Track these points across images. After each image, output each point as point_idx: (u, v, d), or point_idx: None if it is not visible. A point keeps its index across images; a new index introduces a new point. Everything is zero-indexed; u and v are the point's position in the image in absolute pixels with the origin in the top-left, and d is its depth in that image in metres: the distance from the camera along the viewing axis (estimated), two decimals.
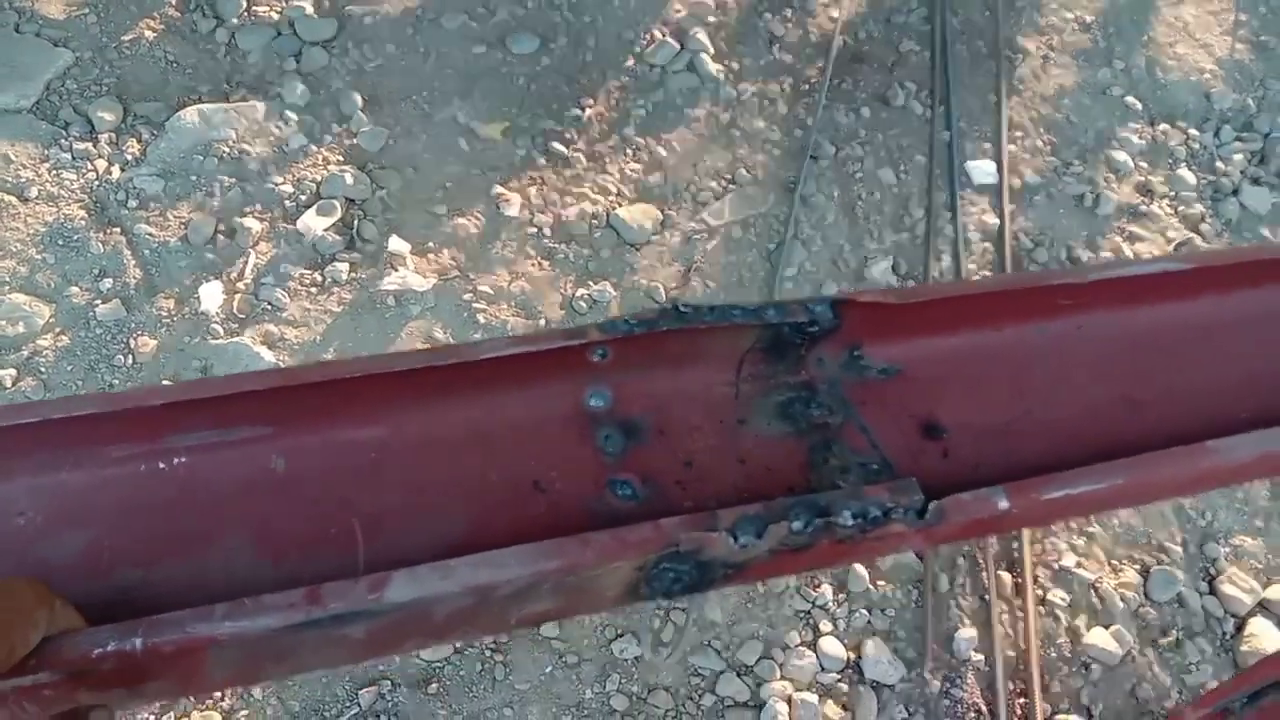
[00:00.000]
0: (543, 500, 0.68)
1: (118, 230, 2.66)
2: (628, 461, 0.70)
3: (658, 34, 3.19)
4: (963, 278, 2.75)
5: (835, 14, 3.31)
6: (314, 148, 2.84)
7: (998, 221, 2.89)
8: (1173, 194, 3.04)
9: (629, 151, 2.94)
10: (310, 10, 3.13)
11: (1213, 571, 2.40)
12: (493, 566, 0.57)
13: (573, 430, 0.71)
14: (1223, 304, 0.83)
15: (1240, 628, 2.33)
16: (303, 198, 2.73)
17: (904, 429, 0.74)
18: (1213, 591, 2.38)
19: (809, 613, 2.26)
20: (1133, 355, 0.80)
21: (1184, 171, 3.08)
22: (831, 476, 0.71)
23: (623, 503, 0.68)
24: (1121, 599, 2.33)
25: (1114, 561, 2.39)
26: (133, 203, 2.70)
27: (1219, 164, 3.11)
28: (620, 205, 2.82)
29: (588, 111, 3.00)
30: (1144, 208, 2.99)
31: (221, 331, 2.51)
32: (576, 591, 0.61)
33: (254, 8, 3.14)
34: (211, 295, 2.55)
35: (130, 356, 2.48)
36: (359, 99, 2.93)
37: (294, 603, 0.56)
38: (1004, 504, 0.64)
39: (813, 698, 2.15)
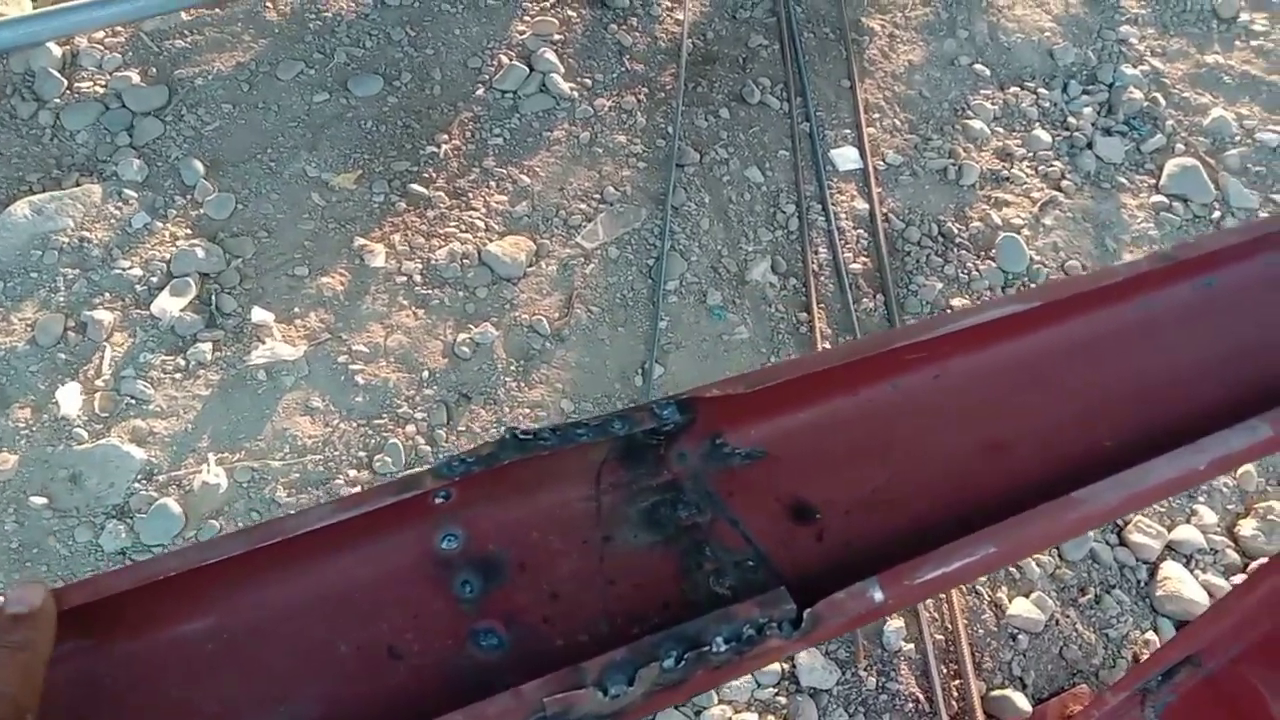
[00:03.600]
0: (401, 666, 0.62)
1: None
2: (488, 606, 0.65)
3: (504, 59, 3.12)
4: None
5: (680, 16, 3.29)
6: (159, 224, 2.70)
7: (867, 206, 2.90)
8: (1031, 155, 3.10)
9: (492, 183, 2.87)
10: (137, 79, 2.97)
11: (1119, 523, 2.45)
12: None
13: (425, 581, 0.65)
14: (1070, 333, 0.81)
15: (1153, 573, 2.38)
16: (154, 279, 2.59)
17: (774, 516, 0.70)
18: (1123, 542, 2.42)
19: None
20: (990, 397, 0.78)
21: (1039, 131, 3.14)
22: (706, 582, 0.67)
23: (487, 654, 0.63)
24: (1037, 564, 2.36)
25: None
26: None
27: (1070, 119, 3.18)
28: (490, 240, 2.74)
29: (443, 147, 2.92)
30: (1005, 172, 3.04)
31: (86, 435, 2.36)
32: None
33: (76, 84, 2.97)
34: (70, 397, 2.40)
35: None
36: (200, 166, 2.79)
37: None
38: (878, 596, 0.61)
39: (753, 716, 2.12)
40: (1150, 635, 2.29)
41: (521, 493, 0.68)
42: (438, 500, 0.65)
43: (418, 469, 0.66)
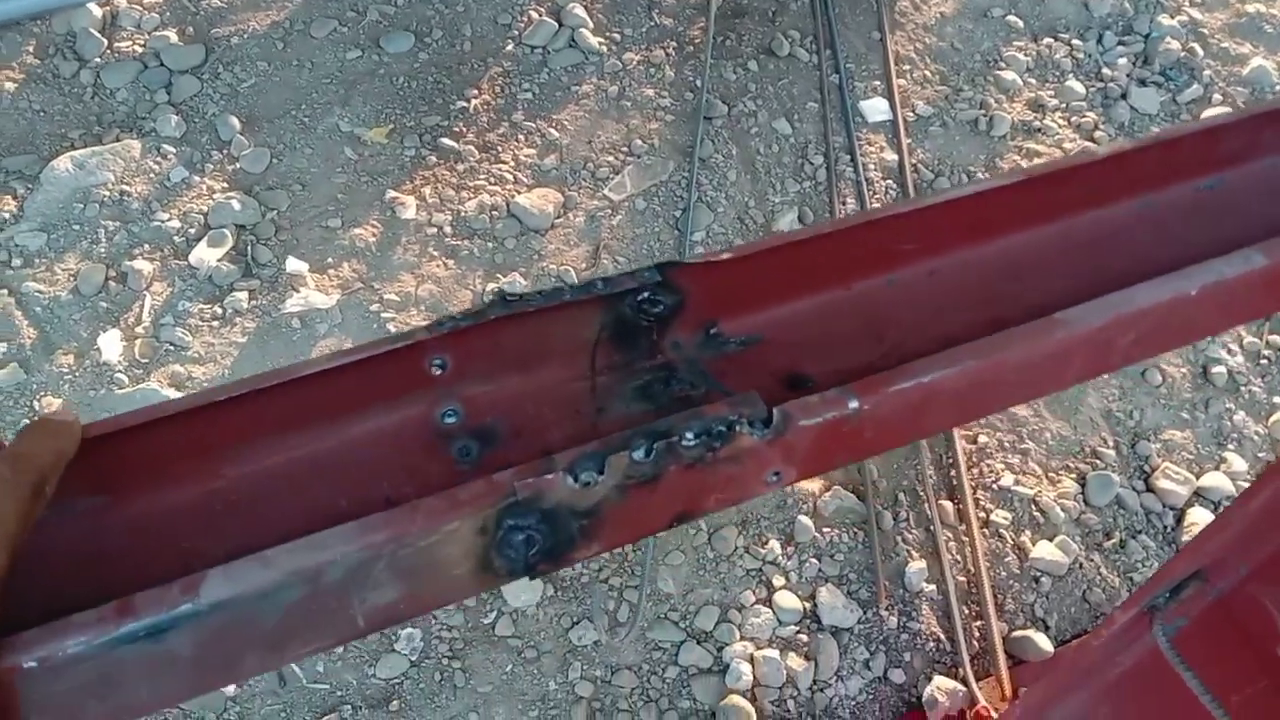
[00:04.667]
0: None
1: (5, 291, 2.56)
2: (484, 466, 0.68)
3: (534, 14, 3.14)
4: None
5: None
6: (196, 178, 2.76)
7: (896, 157, 2.89)
8: (1064, 106, 3.07)
9: (521, 137, 2.90)
10: (175, 39, 3.03)
11: (1147, 469, 2.44)
12: (314, 548, 0.53)
13: (426, 449, 0.69)
14: (1071, 228, 0.82)
15: (1180, 519, 2.38)
16: (191, 231, 2.66)
17: (768, 386, 0.72)
18: (1149, 489, 2.42)
19: (760, 570, 2.26)
20: (988, 290, 0.79)
21: (1072, 82, 3.11)
22: None
23: None
24: (1062, 509, 2.36)
25: (1050, 474, 2.42)
26: (16, 261, 2.60)
27: (1105, 70, 3.15)
28: (519, 193, 2.78)
29: (473, 102, 2.95)
30: (1037, 123, 3.02)
31: (126, 380, 2.44)
32: (419, 571, 0.55)
33: (116, 44, 3.04)
34: (111, 344, 2.47)
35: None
36: (236, 122, 2.85)
37: (105, 616, 0.51)
38: (853, 403, 0.61)
39: (774, 653, 2.15)
40: None
41: (517, 371, 0.71)
42: (435, 370, 0.68)
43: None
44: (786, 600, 2.20)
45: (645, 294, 0.72)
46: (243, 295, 2.54)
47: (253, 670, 0.55)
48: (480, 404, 0.71)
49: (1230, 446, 2.49)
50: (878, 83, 3.07)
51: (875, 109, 3.00)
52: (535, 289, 0.68)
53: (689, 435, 0.58)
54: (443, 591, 0.57)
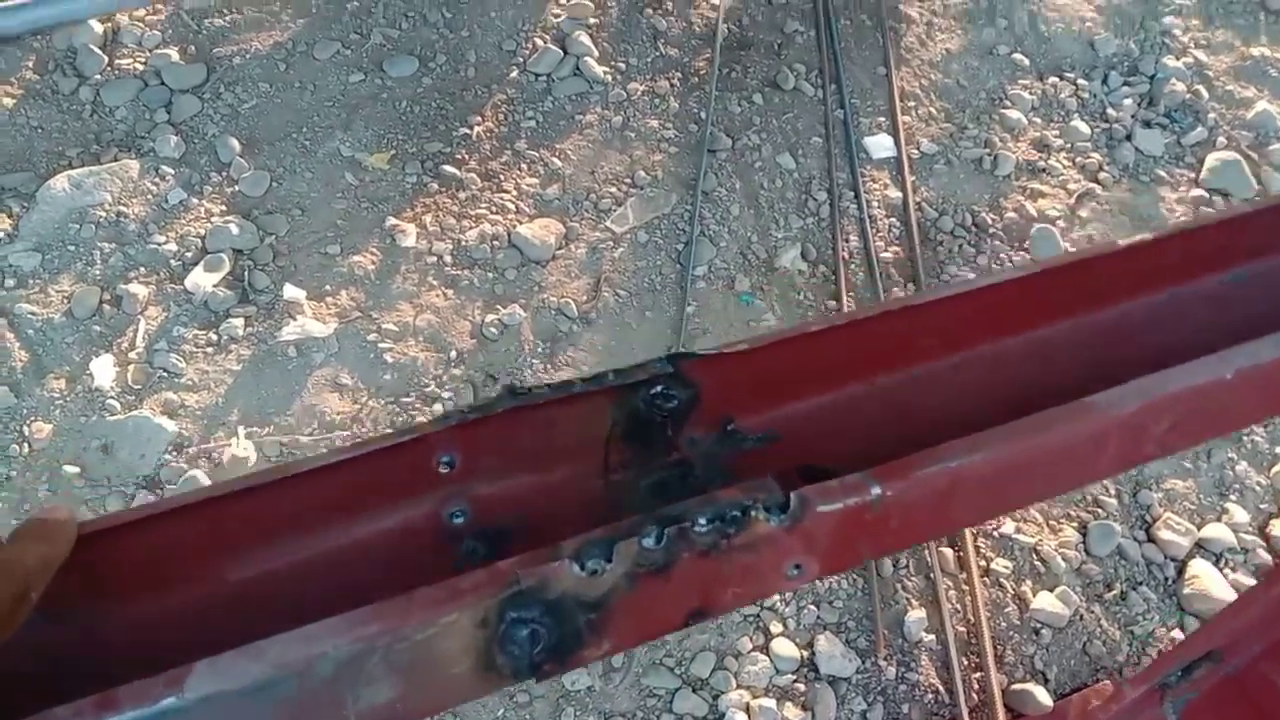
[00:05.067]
0: None
1: None
2: None
3: (539, 41, 3.12)
4: (873, 255, 2.74)
5: (716, 1, 3.27)
6: (194, 200, 2.73)
7: (901, 194, 2.88)
8: (1069, 146, 3.06)
9: (523, 166, 2.88)
10: (176, 57, 3.00)
11: (1148, 519, 2.42)
12: (305, 640, 0.50)
13: (433, 549, 0.66)
14: (1096, 321, 0.80)
15: (1181, 571, 2.35)
16: (188, 255, 2.62)
17: (790, 484, 0.70)
18: (1151, 539, 2.39)
19: (758, 616, 2.23)
20: (1015, 380, 0.76)
21: (1077, 122, 3.10)
22: None
23: None
24: (1063, 559, 2.34)
25: (1052, 522, 2.40)
26: (10, 281, 2.57)
27: (1110, 110, 3.14)
28: (521, 223, 2.75)
29: (476, 129, 2.93)
30: (1042, 163, 3.01)
31: (119, 406, 2.40)
32: (417, 668, 0.52)
33: (117, 61, 3.01)
34: (104, 369, 2.44)
35: (26, 444, 2.36)
36: (236, 144, 2.82)
37: (82, 711, 0.48)
38: (875, 489, 0.57)
39: (771, 702, 2.12)
40: (1176, 633, 2.26)
41: (528, 468, 0.69)
42: (443, 468, 0.65)
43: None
44: (784, 648, 2.17)
45: (659, 388, 0.70)
46: (239, 322, 2.51)
47: None
48: (489, 503, 0.69)
49: (1232, 497, 2.47)
50: (882, 119, 3.06)
51: (880, 145, 2.99)
52: (544, 383, 0.66)
53: (702, 521, 0.55)
54: (443, 692, 0.54)
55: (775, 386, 0.73)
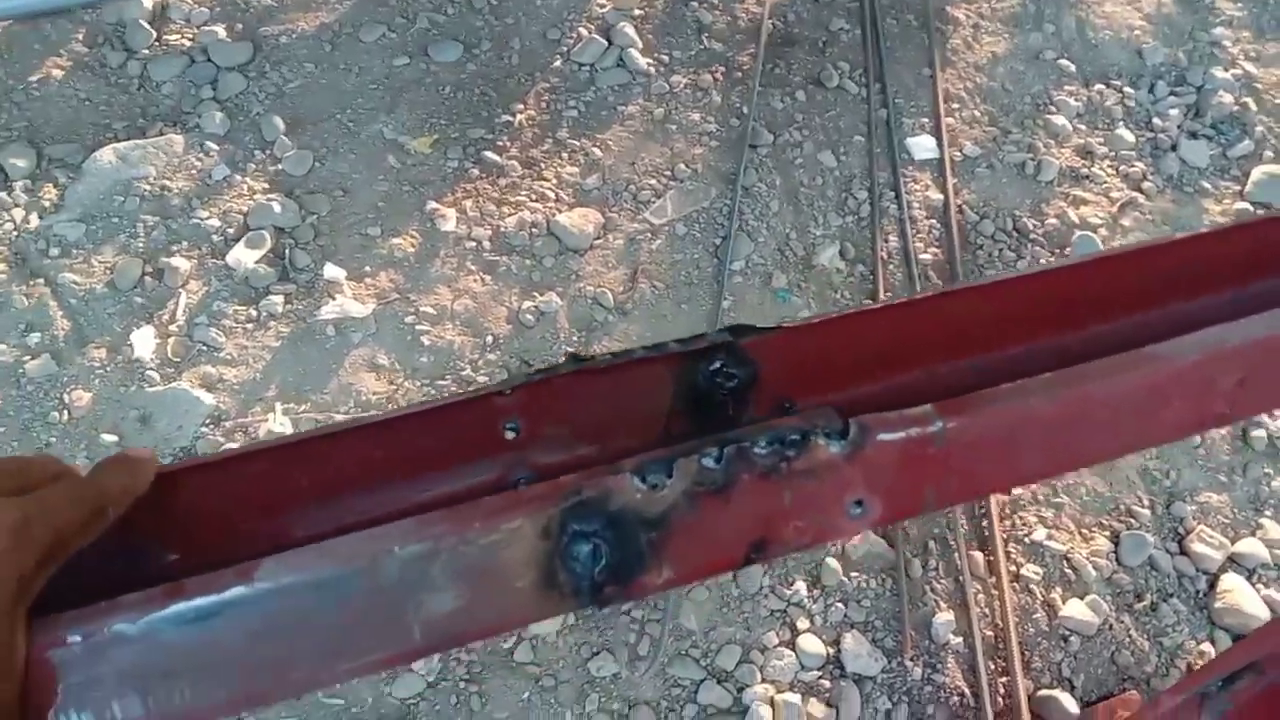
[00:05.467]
0: None
1: (41, 281, 2.56)
2: None
3: (584, 31, 3.12)
4: (912, 257, 2.73)
5: None
6: (238, 177, 2.75)
7: (942, 196, 2.86)
8: (1113, 154, 3.03)
9: (564, 155, 2.88)
10: (223, 34, 3.03)
11: (1181, 531, 2.40)
12: (373, 539, 0.51)
13: None
14: (1175, 309, 0.79)
15: (1213, 585, 2.33)
16: (230, 231, 2.65)
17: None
18: (1183, 551, 2.37)
19: (785, 611, 2.23)
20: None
21: (1122, 130, 3.07)
22: None
23: None
24: (1094, 567, 2.32)
25: (1084, 530, 2.38)
26: (54, 251, 2.60)
27: (1156, 120, 3.11)
28: (560, 211, 2.76)
29: (518, 117, 2.94)
30: (1085, 170, 2.98)
31: (158, 377, 2.42)
32: (480, 577, 0.52)
33: (165, 36, 3.04)
34: (144, 340, 2.46)
35: (65, 412, 2.38)
36: (280, 123, 2.84)
37: (153, 597, 0.48)
38: (937, 423, 0.57)
39: (795, 698, 2.12)
40: (1206, 646, 2.24)
41: (590, 439, 0.69)
42: (509, 434, 0.66)
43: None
44: (810, 644, 2.17)
45: (719, 363, 0.70)
46: (278, 299, 2.53)
47: (300, 684, 0.51)
48: (553, 472, 0.69)
49: (1267, 513, 2.44)
50: (926, 120, 3.04)
51: (922, 146, 2.98)
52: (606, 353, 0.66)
53: (762, 443, 0.55)
54: (505, 608, 0.53)
55: (834, 370, 0.73)
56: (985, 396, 0.60)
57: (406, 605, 0.51)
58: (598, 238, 2.73)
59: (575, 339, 2.56)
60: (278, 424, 2.35)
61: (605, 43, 3.08)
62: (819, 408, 0.59)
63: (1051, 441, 0.62)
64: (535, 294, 2.62)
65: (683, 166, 2.88)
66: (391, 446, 0.66)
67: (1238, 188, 3.00)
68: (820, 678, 2.16)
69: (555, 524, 0.52)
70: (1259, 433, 2.53)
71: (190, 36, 3.03)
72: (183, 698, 0.48)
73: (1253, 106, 3.16)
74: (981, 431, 0.59)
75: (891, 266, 2.73)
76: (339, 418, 2.39)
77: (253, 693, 0.49)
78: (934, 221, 2.83)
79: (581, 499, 0.52)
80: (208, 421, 2.38)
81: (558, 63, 3.07)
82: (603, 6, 3.19)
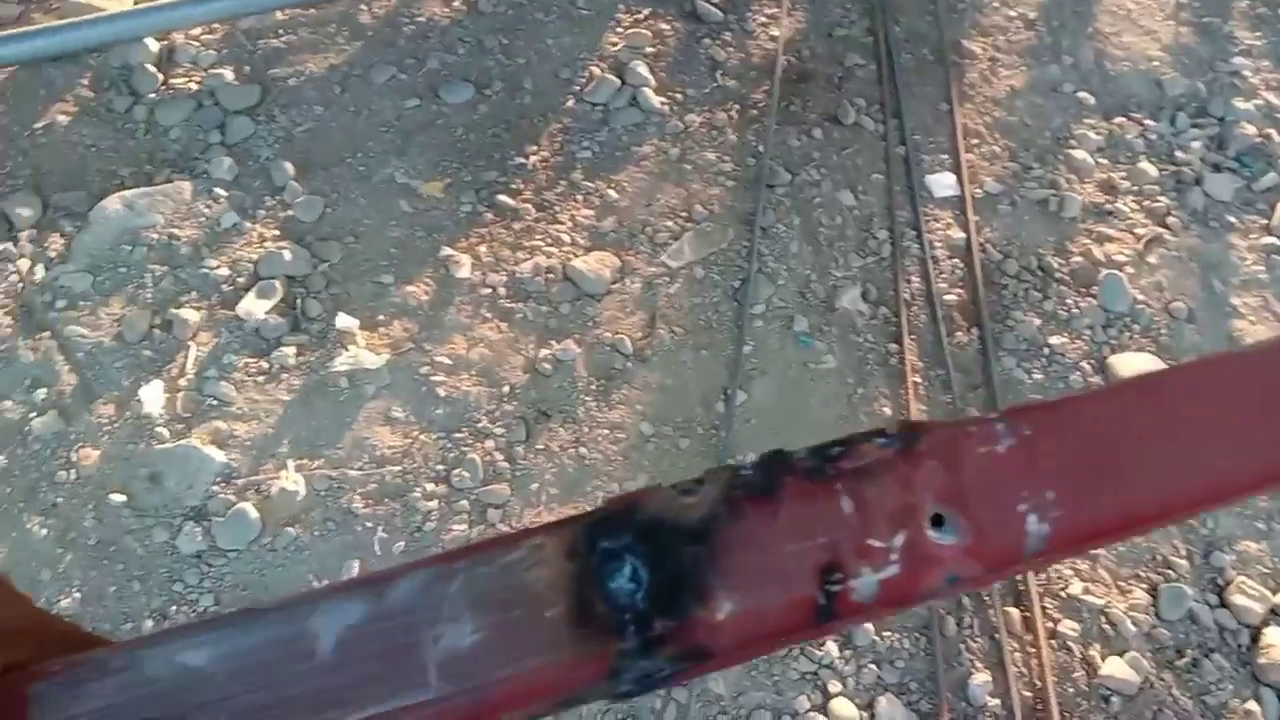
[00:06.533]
0: None
1: (47, 334, 2.50)
2: None
3: (596, 70, 3.08)
4: (935, 295, 2.67)
5: (775, 32, 3.22)
6: (247, 224, 2.70)
7: (964, 235, 2.81)
8: (1136, 189, 2.98)
9: (579, 197, 2.83)
10: (231, 77, 2.98)
11: (1220, 582, 2.33)
12: (382, 573, 0.45)
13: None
14: None
15: (1255, 638, 2.26)
16: (240, 280, 2.59)
17: None
18: (1223, 603, 2.31)
19: (816, 674, 2.16)
20: None
21: (1145, 164, 3.02)
22: None
23: None
24: (1133, 622, 2.25)
25: (1121, 583, 2.32)
26: (61, 303, 2.54)
27: (1178, 153, 3.06)
28: (575, 255, 2.70)
29: (531, 159, 2.89)
30: (1109, 206, 2.93)
31: (167, 434, 2.36)
32: (505, 606, 0.44)
33: (171, 80, 2.99)
34: (153, 396, 2.40)
35: (73, 471, 2.32)
36: (290, 167, 2.79)
37: (141, 640, 0.43)
38: (1000, 426, 0.49)
39: None
40: (1251, 705, 2.17)
41: None
42: None
43: None
44: (844, 708, 2.10)
45: None
46: (290, 350, 2.47)
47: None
48: None
49: None
50: (945, 156, 2.99)
51: (942, 184, 2.92)
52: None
53: (803, 451, 0.48)
54: (536, 646, 0.44)
55: None
56: (1066, 402, 0.52)
57: (422, 636, 0.43)
58: (614, 282, 2.68)
59: (594, 387, 2.50)
60: (290, 481, 2.29)
61: (618, 82, 3.04)
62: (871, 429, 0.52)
63: (1140, 460, 0.51)
64: (552, 341, 2.56)
65: (699, 207, 2.82)
66: None
67: (1264, 221, 2.94)
68: None
69: (581, 539, 0.45)
70: None
71: (198, 80, 2.99)
72: None
73: (1276, 138, 3.11)
74: (1057, 445, 0.50)
75: (915, 308, 2.67)
76: (352, 474, 2.33)
77: None
78: (956, 261, 2.78)
79: (605, 514, 0.46)
80: (218, 479, 2.32)
81: (570, 103, 3.02)
82: (614, 45, 3.14)
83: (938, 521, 0.48)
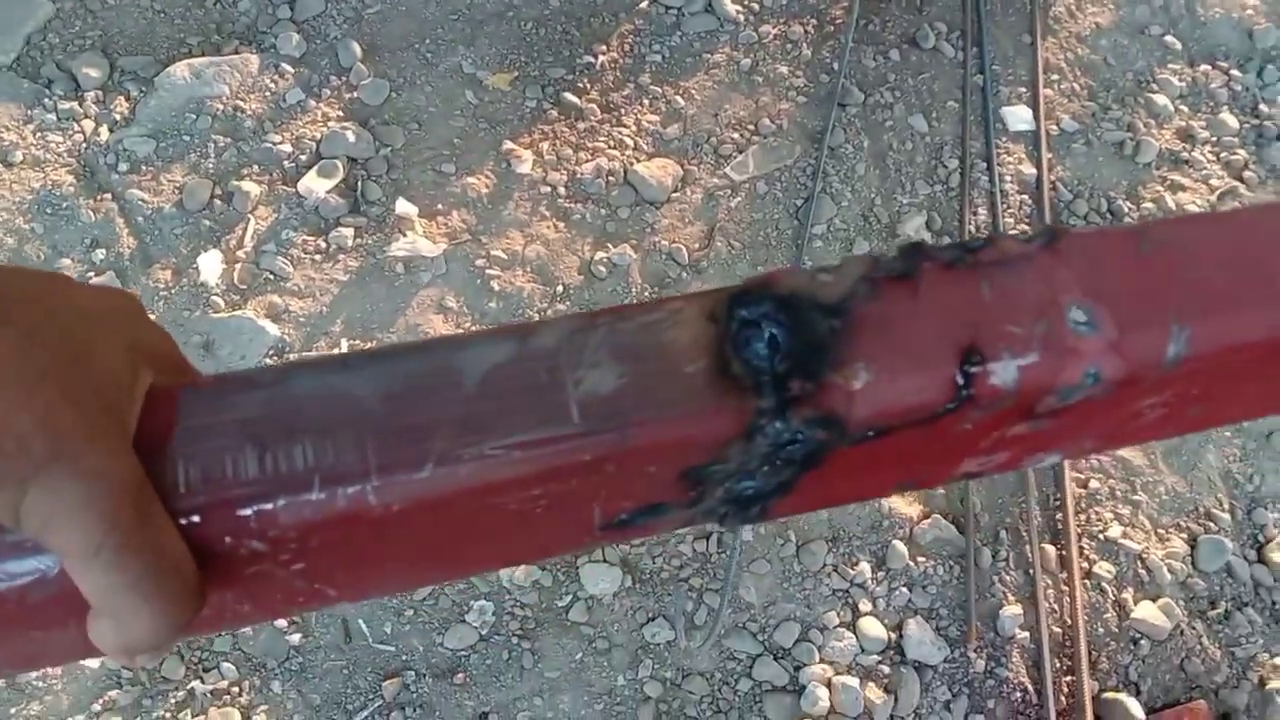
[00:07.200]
0: None
1: (109, 196, 2.51)
2: None
3: None
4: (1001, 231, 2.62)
5: None
6: (312, 103, 2.68)
7: (1035, 171, 2.75)
8: (1215, 140, 2.90)
9: (645, 101, 2.79)
10: None
11: (1261, 539, 2.32)
12: (524, 324, 0.46)
13: None
14: None
15: None
16: (302, 157, 2.58)
17: None
18: (1261, 559, 2.30)
19: (847, 591, 2.17)
20: None
21: (1226, 115, 2.93)
22: None
23: None
24: (1169, 570, 2.25)
25: (1160, 530, 2.31)
26: (123, 166, 2.55)
27: (1262, 106, 2.96)
28: (638, 160, 2.67)
29: (600, 58, 2.84)
30: (1185, 155, 2.85)
31: (222, 304, 2.38)
32: (645, 357, 0.44)
33: None
34: (211, 265, 2.42)
35: None
36: (358, 49, 2.76)
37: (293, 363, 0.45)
38: (1138, 234, 0.48)
39: (854, 680, 2.08)
40: None
41: None
42: None
43: None
44: (872, 627, 2.12)
45: None
46: (349, 231, 2.47)
47: (436, 455, 0.42)
48: None
49: None
50: (1023, 89, 2.91)
51: (1018, 117, 2.85)
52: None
53: (940, 246, 0.48)
54: (676, 395, 0.44)
55: None
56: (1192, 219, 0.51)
57: (564, 377, 0.44)
58: (675, 190, 2.65)
59: (647, 294, 2.49)
60: None
61: None
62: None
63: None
64: (609, 245, 2.54)
65: (767, 121, 2.77)
66: None
67: None
68: (880, 662, 2.11)
69: (721, 307, 0.45)
70: None
71: None
72: (305, 460, 0.41)
73: None
74: (1181, 247, 0.48)
75: None
76: None
77: (384, 462, 0.42)
78: (1025, 197, 2.72)
79: (746, 287, 0.46)
80: (271, 352, 2.34)
81: (643, 4, 2.95)
82: None
83: (1081, 312, 0.47)
